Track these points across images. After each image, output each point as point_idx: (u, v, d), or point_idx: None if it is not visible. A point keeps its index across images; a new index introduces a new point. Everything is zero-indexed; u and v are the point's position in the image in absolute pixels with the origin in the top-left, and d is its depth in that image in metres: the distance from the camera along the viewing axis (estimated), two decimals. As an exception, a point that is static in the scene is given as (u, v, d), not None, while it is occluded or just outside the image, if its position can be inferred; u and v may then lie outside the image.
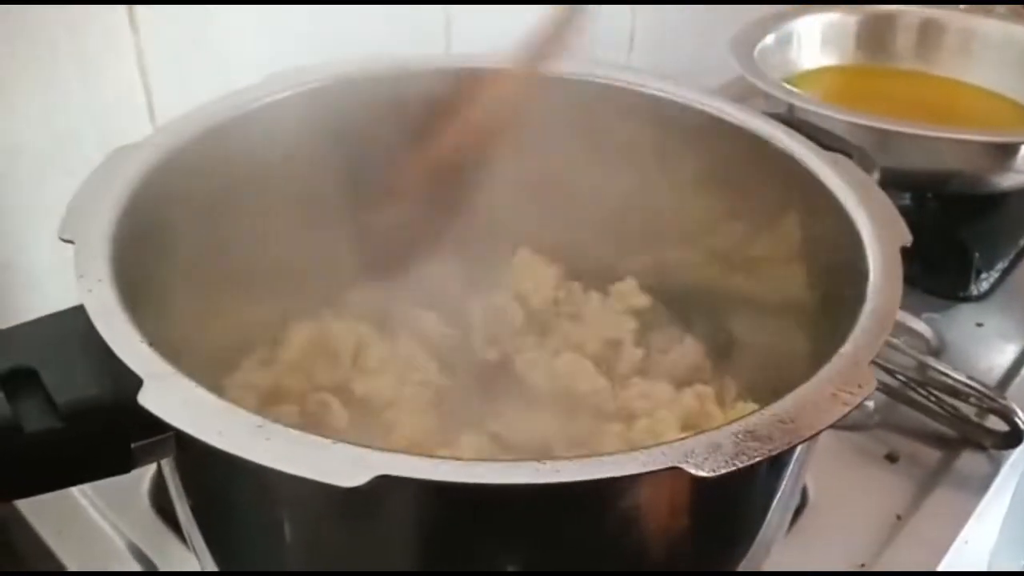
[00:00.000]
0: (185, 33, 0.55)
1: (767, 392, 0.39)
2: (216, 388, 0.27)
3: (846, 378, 0.28)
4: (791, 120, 0.46)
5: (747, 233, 0.44)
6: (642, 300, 0.50)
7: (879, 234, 0.35)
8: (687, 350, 0.49)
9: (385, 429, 0.43)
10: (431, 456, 0.25)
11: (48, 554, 0.45)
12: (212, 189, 0.42)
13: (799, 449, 0.32)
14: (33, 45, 0.49)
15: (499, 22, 0.70)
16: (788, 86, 0.71)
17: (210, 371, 0.41)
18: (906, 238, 0.35)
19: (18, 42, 0.48)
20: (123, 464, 0.30)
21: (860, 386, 0.27)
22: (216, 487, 0.32)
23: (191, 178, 0.41)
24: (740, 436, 0.26)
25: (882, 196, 0.38)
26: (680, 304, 0.50)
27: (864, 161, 0.44)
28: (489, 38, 0.69)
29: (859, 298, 0.33)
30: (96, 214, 0.35)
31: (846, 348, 0.29)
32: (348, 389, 0.45)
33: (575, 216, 0.49)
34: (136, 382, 0.27)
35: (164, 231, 0.39)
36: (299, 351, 0.45)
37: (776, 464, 0.32)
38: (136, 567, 0.44)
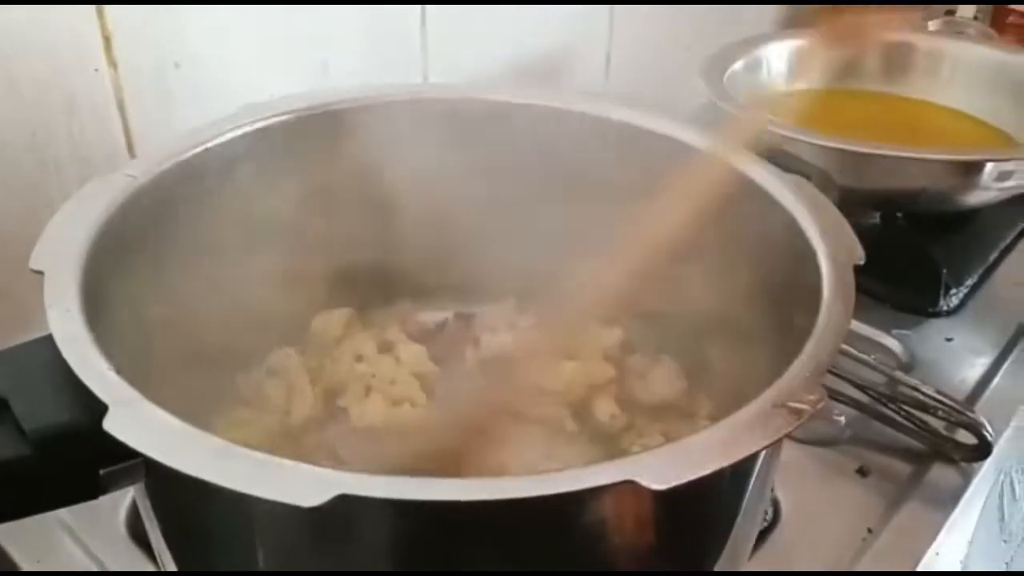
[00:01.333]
0: (163, 65, 0.56)
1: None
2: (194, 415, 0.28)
3: (796, 391, 0.29)
4: (759, 144, 0.47)
5: (708, 256, 0.45)
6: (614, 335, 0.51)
7: (833, 253, 0.36)
8: (664, 372, 0.50)
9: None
10: (390, 475, 0.25)
11: (22, 579, 0.45)
12: (186, 219, 0.42)
13: (760, 460, 0.33)
14: (14, 79, 0.50)
15: (474, 44, 0.73)
16: (758, 109, 0.72)
17: (183, 398, 0.42)
18: (859, 255, 0.36)
19: (0, 76, 0.49)
20: (92, 490, 0.30)
21: (810, 399, 0.28)
22: (185, 511, 0.32)
23: (164, 209, 0.42)
24: (693, 450, 0.27)
25: (837, 215, 0.39)
26: (652, 327, 0.51)
27: (823, 182, 0.45)
28: (465, 60, 0.72)
29: (813, 316, 0.34)
30: (68, 245, 0.36)
31: (796, 363, 0.30)
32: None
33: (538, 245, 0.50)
34: (103, 408, 0.27)
35: (136, 261, 0.39)
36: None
37: (736, 476, 0.32)
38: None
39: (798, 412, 0.28)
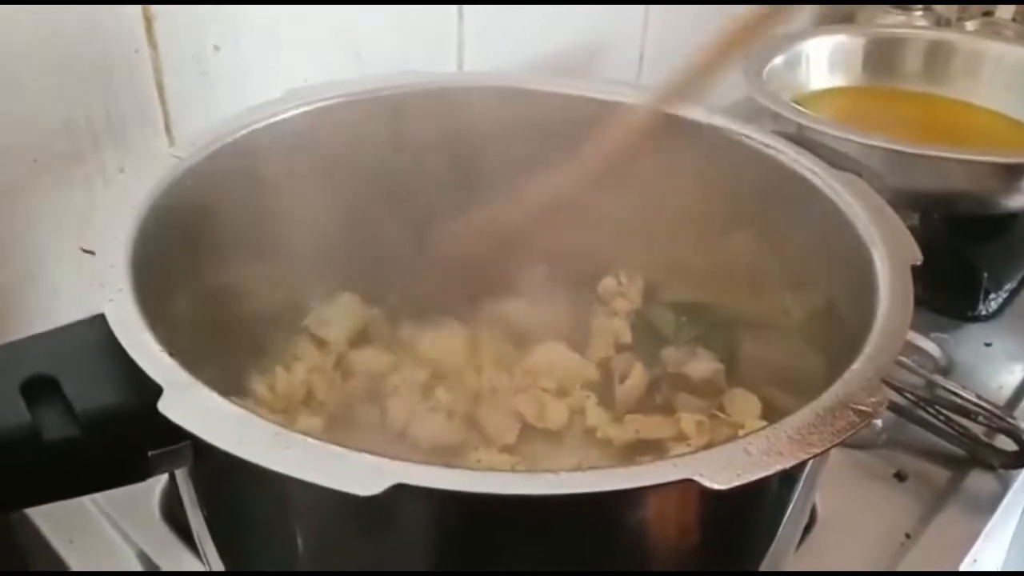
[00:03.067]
0: (202, 48, 0.55)
1: (778, 409, 0.40)
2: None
3: (857, 394, 0.28)
4: (799, 140, 0.46)
5: (759, 251, 0.44)
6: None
7: (889, 252, 0.36)
8: (702, 365, 0.49)
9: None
10: (447, 465, 0.25)
11: (58, 562, 0.45)
12: (230, 203, 0.42)
13: (810, 464, 0.32)
14: (55, 57, 0.50)
15: (511, 37, 0.72)
16: (797, 106, 0.71)
17: (229, 382, 0.42)
18: (916, 256, 0.36)
19: (41, 54, 0.49)
20: (139, 472, 0.30)
21: (871, 401, 0.28)
22: (232, 496, 0.32)
23: (210, 191, 0.41)
24: (753, 449, 0.26)
25: (892, 215, 0.38)
26: (694, 321, 0.51)
27: (874, 180, 0.44)
28: (502, 52, 0.72)
29: (870, 316, 0.33)
30: (117, 226, 0.35)
31: (857, 365, 0.30)
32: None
33: (588, 235, 0.49)
34: (156, 390, 0.27)
35: (184, 243, 0.39)
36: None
37: (787, 479, 0.32)
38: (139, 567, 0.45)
39: (861, 414, 0.27)
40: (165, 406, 0.26)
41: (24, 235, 0.52)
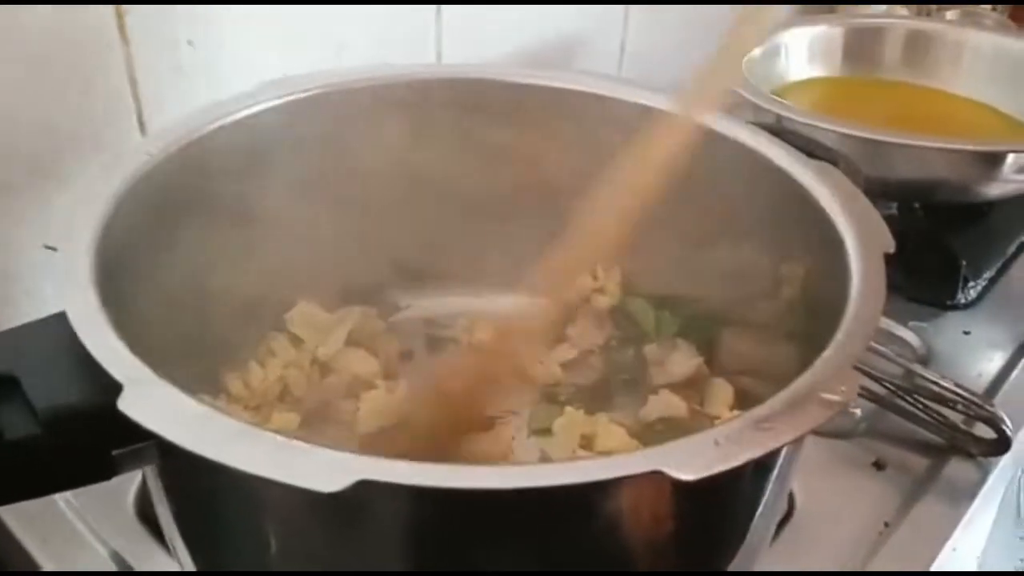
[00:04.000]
0: (176, 44, 0.55)
1: (756, 399, 0.39)
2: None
3: (828, 382, 0.28)
4: (778, 130, 0.46)
5: (732, 241, 0.44)
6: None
7: (862, 241, 0.36)
8: (682, 358, 0.49)
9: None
10: (411, 461, 0.24)
11: (31, 562, 0.45)
12: (199, 197, 0.42)
13: (783, 454, 0.32)
14: (27, 53, 0.49)
15: (489, 30, 0.72)
16: (775, 97, 0.71)
17: (203, 379, 0.41)
18: (889, 245, 0.36)
19: (12, 51, 0.48)
20: (103, 472, 0.30)
21: (842, 389, 0.27)
22: (199, 494, 0.31)
23: (179, 186, 0.41)
24: (721, 440, 0.26)
25: (866, 203, 0.38)
26: (670, 312, 0.51)
27: (850, 169, 0.44)
28: (480, 45, 0.71)
29: (843, 304, 0.33)
30: (81, 221, 0.35)
31: (828, 352, 0.30)
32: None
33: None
34: (116, 388, 0.27)
35: (151, 238, 0.39)
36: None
37: (760, 469, 0.32)
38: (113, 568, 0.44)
39: (831, 403, 0.27)
40: (124, 404, 0.26)
41: (1, 234, 0.51)
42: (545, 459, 0.44)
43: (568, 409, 0.45)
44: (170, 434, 0.25)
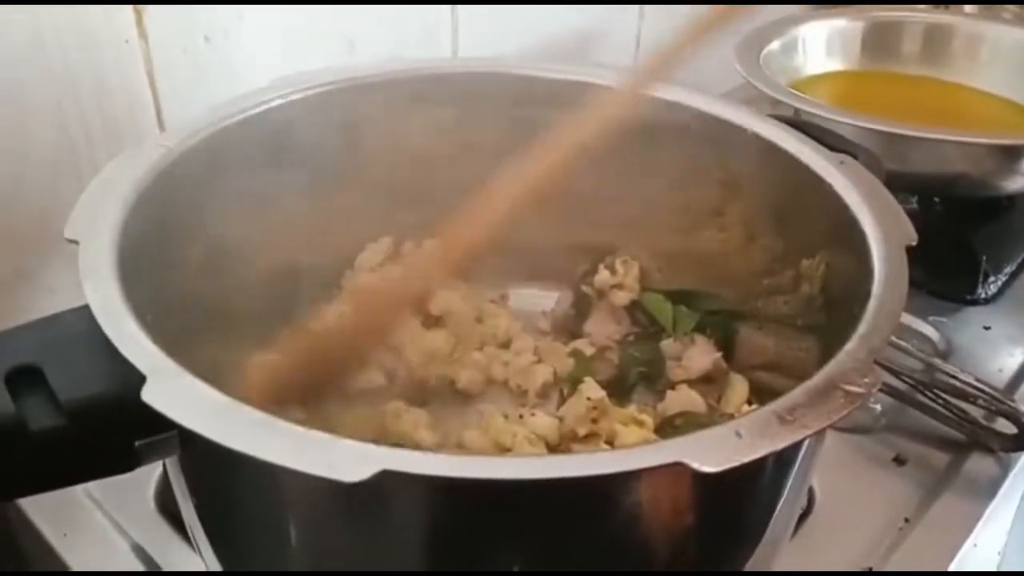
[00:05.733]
0: (193, 40, 0.55)
1: (774, 395, 0.39)
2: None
3: (849, 374, 0.28)
4: (797, 124, 0.46)
5: (752, 234, 0.44)
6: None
7: (884, 233, 0.35)
8: (700, 353, 0.49)
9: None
10: (434, 451, 0.24)
11: (52, 554, 0.45)
12: (218, 191, 0.42)
13: (804, 447, 0.32)
14: (45, 51, 0.49)
15: (504, 24, 0.72)
16: (794, 91, 0.71)
17: (219, 370, 0.41)
18: (911, 237, 0.35)
19: (31, 48, 0.49)
20: (126, 463, 0.30)
21: (864, 381, 0.27)
22: (220, 485, 0.32)
23: (197, 180, 0.41)
24: (743, 432, 0.26)
25: (887, 196, 0.38)
26: (688, 307, 0.51)
27: (870, 162, 0.44)
28: (495, 40, 0.71)
29: (864, 297, 0.33)
30: (102, 215, 0.35)
31: (850, 345, 0.29)
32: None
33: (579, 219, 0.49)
34: (140, 379, 0.27)
35: (170, 232, 0.39)
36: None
37: (781, 461, 0.31)
38: (140, 568, 0.44)
39: (853, 395, 0.27)
40: (148, 394, 0.26)
41: (19, 231, 0.52)
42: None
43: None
44: (193, 424, 0.25)
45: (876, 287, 0.32)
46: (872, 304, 0.31)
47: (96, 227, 0.34)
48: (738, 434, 0.26)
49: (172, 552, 0.45)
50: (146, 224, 0.36)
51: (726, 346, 0.48)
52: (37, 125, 0.51)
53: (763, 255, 0.43)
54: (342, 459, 0.24)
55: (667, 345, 0.50)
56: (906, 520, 0.48)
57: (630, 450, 0.25)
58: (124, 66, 0.53)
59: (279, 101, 0.45)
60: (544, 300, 0.54)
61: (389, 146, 0.49)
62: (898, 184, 0.64)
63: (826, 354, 0.31)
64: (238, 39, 0.57)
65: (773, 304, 0.45)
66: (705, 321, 0.49)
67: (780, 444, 0.25)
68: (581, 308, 0.53)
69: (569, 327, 0.52)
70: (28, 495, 0.30)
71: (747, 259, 0.44)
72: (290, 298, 0.46)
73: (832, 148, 0.43)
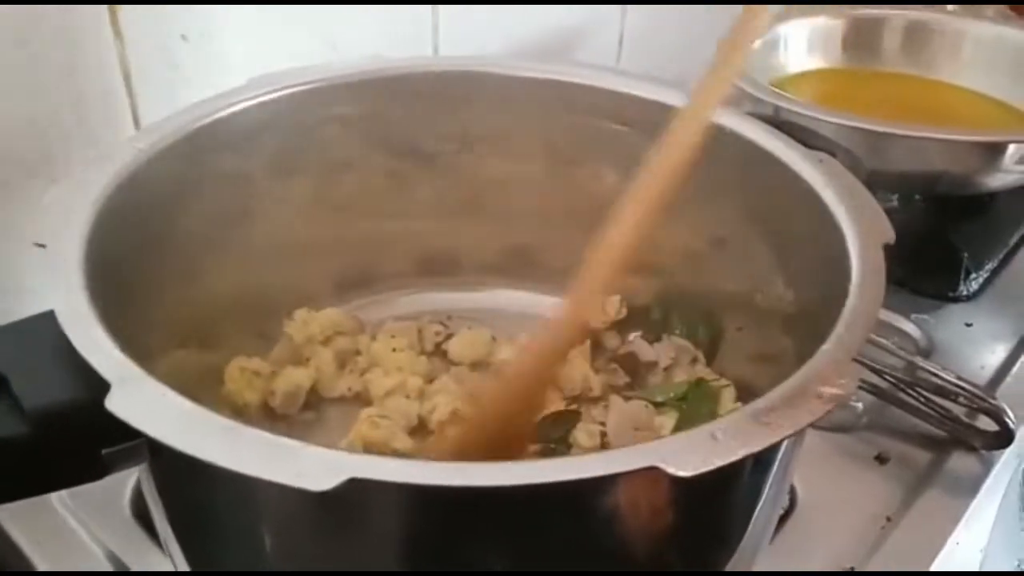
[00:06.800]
0: (169, 38, 0.54)
1: (755, 393, 0.39)
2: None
3: (827, 375, 0.27)
4: (777, 122, 0.45)
5: (730, 233, 0.43)
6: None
7: (862, 232, 0.35)
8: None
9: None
10: (402, 458, 0.24)
11: (26, 563, 0.44)
12: (190, 193, 0.41)
13: (783, 448, 0.32)
14: (20, 51, 0.49)
15: (487, 23, 0.71)
16: (775, 89, 0.70)
17: (191, 376, 0.41)
18: (889, 236, 0.35)
19: (4, 48, 0.48)
20: (94, 471, 0.30)
21: (841, 382, 0.27)
22: (190, 492, 0.31)
23: (169, 182, 0.41)
24: (719, 435, 0.26)
25: (865, 194, 0.38)
26: (666, 307, 0.50)
27: (849, 160, 0.43)
28: (477, 39, 0.71)
29: (842, 296, 0.32)
30: (71, 217, 0.34)
31: (827, 345, 0.29)
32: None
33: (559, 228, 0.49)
34: (105, 386, 0.26)
35: (142, 234, 0.38)
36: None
37: (760, 463, 0.31)
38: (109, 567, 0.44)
39: (830, 396, 0.26)
40: (112, 402, 0.26)
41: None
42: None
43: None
44: (157, 432, 0.25)
45: (854, 287, 0.32)
46: (849, 303, 0.31)
47: (64, 231, 0.34)
48: (714, 437, 0.26)
49: (146, 559, 0.44)
50: (116, 227, 0.36)
51: (710, 348, 0.48)
52: (10, 127, 0.50)
53: (739, 254, 0.43)
54: (310, 467, 0.24)
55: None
56: (888, 519, 0.48)
57: (605, 454, 0.25)
58: (99, 66, 0.52)
59: (255, 100, 0.45)
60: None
61: (367, 148, 0.48)
62: (879, 182, 0.64)
63: (804, 355, 0.30)
64: (216, 38, 0.56)
65: (753, 303, 0.44)
66: (693, 324, 0.48)
67: (756, 447, 0.25)
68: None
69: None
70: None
71: (726, 258, 0.44)
72: (265, 306, 0.46)
73: (811, 147, 0.43)
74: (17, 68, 0.49)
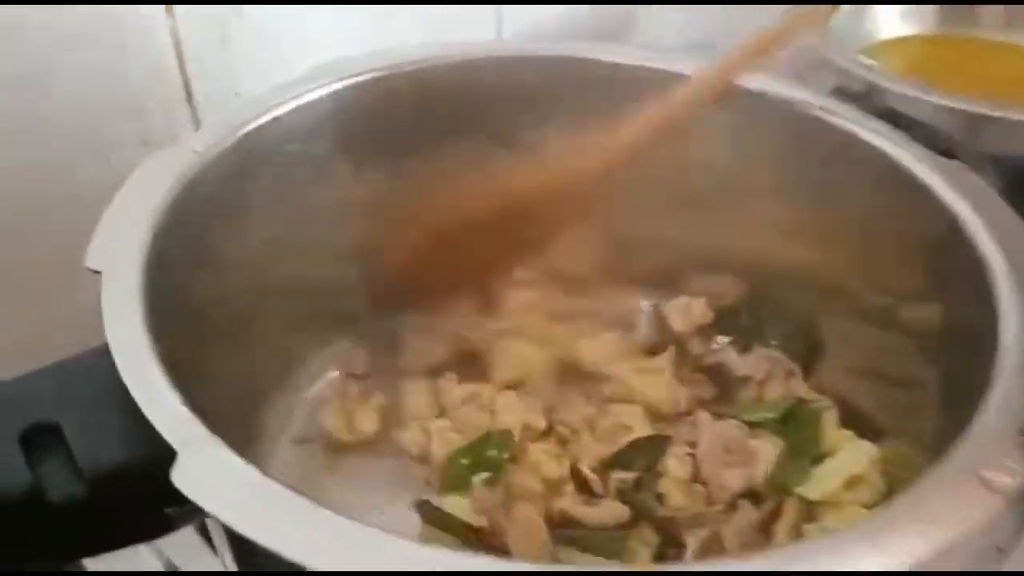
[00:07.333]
0: (222, 17, 0.52)
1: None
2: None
3: (988, 457, 0.23)
4: (872, 102, 0.41)
5: (844, 246, 0.39)
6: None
7: (1012, 265, 0.30)
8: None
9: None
10: (494, 557, 0.21)
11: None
12: (258, 199, 0.38)
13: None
14: (71, 30, 0.47)
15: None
16: (865, 59, 0.64)
17: (247, 404, 0.38)
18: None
19: (53, 27, 0.46)
20: (157, 530, 0.27)
21: (1009, 469, 0.23)
22: (263, 558, 0.28)
23: (231, 187, 0.38)
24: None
25: (1010, 215, 0.33)
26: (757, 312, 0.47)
27: (974, 162, 0.39)
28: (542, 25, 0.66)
29: (991, 339, 0.28)
30: (127, 238, 0.32)
31: (985, 415, 0.25)
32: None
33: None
34: (169, 452, 0.24)
35: (202, 249, 0.35)
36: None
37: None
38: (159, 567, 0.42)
39: (999, 486, 0.22)
40: (179, 476, 0.23)
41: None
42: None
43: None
44: (228, 517, 0.22)
45: (1010, 337, 0.27)
46: (1008, 361, 0.26)
47: (120, 253, 0.31)
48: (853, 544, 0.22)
49: (190, 552, 0.42)
50: (174, 247, 0.33)
51: (807, 359, 0.44)
52: (61, 107, 0.48)
53: (855, 268, 0.39)
54: (388, 562, 0.21)
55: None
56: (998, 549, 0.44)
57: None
58: (151, 43, 0.50)
59: (317, 93, 0.41)
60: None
61: (440, 137, 0.44)
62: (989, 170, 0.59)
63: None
64: (268, 14, 0.53)
65: (863, 317, 0.40)
66: (790, 335, 0.44)
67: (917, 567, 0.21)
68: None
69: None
70: (43, 568, 0.27)
71: (837, 271, 0.40)
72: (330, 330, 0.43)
73: (932, 147, 0.38)
74: (69, 47, 0.47)
